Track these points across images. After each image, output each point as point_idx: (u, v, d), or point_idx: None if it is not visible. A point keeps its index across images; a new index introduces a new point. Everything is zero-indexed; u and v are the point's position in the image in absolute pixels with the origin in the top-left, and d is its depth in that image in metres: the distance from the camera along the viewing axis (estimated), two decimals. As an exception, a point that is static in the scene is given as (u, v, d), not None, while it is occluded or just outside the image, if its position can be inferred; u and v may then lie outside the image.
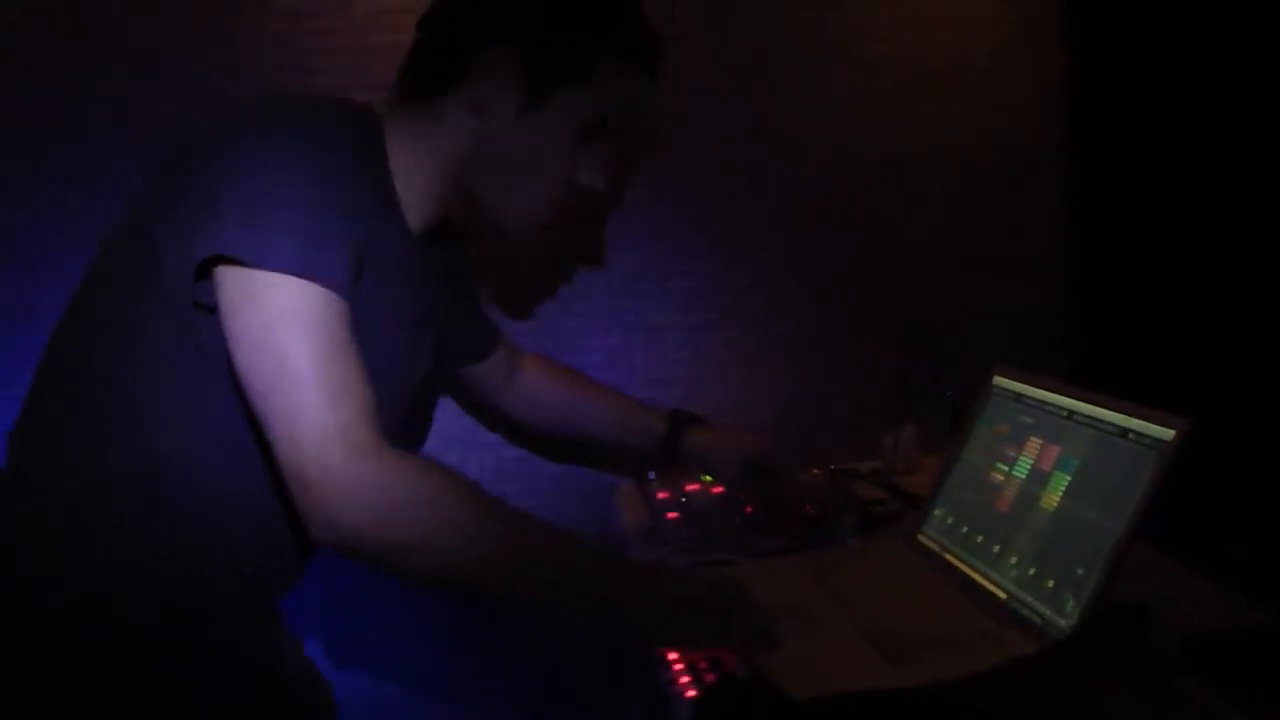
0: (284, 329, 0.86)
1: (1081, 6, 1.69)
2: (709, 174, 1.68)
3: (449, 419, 1.68)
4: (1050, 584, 1.06)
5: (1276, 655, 0.93)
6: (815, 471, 1.55)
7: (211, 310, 0.90)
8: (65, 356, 1.02)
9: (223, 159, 0.91)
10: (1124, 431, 1.05)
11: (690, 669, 1.04)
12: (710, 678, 1.01)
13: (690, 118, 1.65)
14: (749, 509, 1.42)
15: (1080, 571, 1.02)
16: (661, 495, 1.52)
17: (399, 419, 1.20)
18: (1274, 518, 1.18)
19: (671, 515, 1.44)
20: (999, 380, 1.31)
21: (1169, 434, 1.00)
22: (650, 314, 1.72)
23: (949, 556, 1.24)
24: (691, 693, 1.00)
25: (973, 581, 1.17)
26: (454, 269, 1.31)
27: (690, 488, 1.54)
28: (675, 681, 1.02)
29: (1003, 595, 1.12)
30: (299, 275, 0.86)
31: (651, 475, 1.59)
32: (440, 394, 1.68)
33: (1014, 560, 1.13)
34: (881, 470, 1.63)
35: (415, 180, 1.09)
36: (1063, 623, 1.01)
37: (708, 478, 1.57)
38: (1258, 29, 1.29)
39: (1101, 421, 1.09)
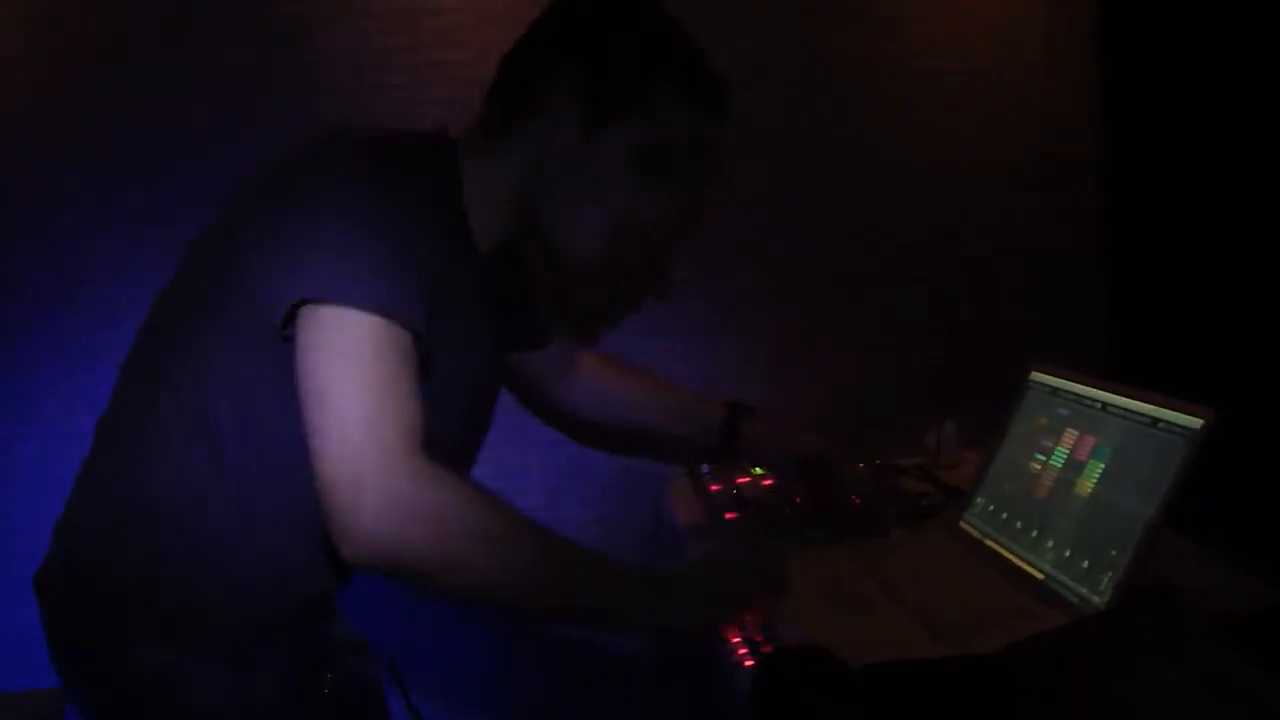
0: (338, 352, 0.93)
1: (1116, 17, 1.75)
2: (756, 182, 1.76)
3: (506, 418, 1.75)
4: (1085, 564, 1.13)
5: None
6: (861, 465, 1.63)
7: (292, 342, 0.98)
8: (152, 363, 1.10)
9: (308, 206, 0.98)
10: (1154, 421, 1.12)
11: (746, 641, 1.11)
12: (767, 649, 1.09)
13: (736, 126, 1.72)
14: (798, 500, 1.50)
15: (1113, 553, 1.09)
16: (714, 488, 1.60)
17: (469, 425, 1.28)
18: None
19: (730, 515, 1.50)
20: (1036, 375, 1.38)
21: (1197, 423, 1.06)
22: (700, 317, 1.80)
23: (990, 542, 1.31)
24: (749, 663, 1.07)
25: (1012, 564, 1.24)
26: (517, 271, 1.38)
27: (741, 480, 1.62)
28: (733, 653, 1.10)
29: (1040, 576, 1.19)
30: (372, 311, 0.94)
31: (705, 469, 1.67)
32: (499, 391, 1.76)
33: (1051, 544, 1.20)
34: (925, 465, 1.70)
35: (487, 207, 1.16)
36: (1097, 600, 1.08)
37: (758, 471, 1.64)
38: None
39: (1133, 412, 1.16)
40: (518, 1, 1.57)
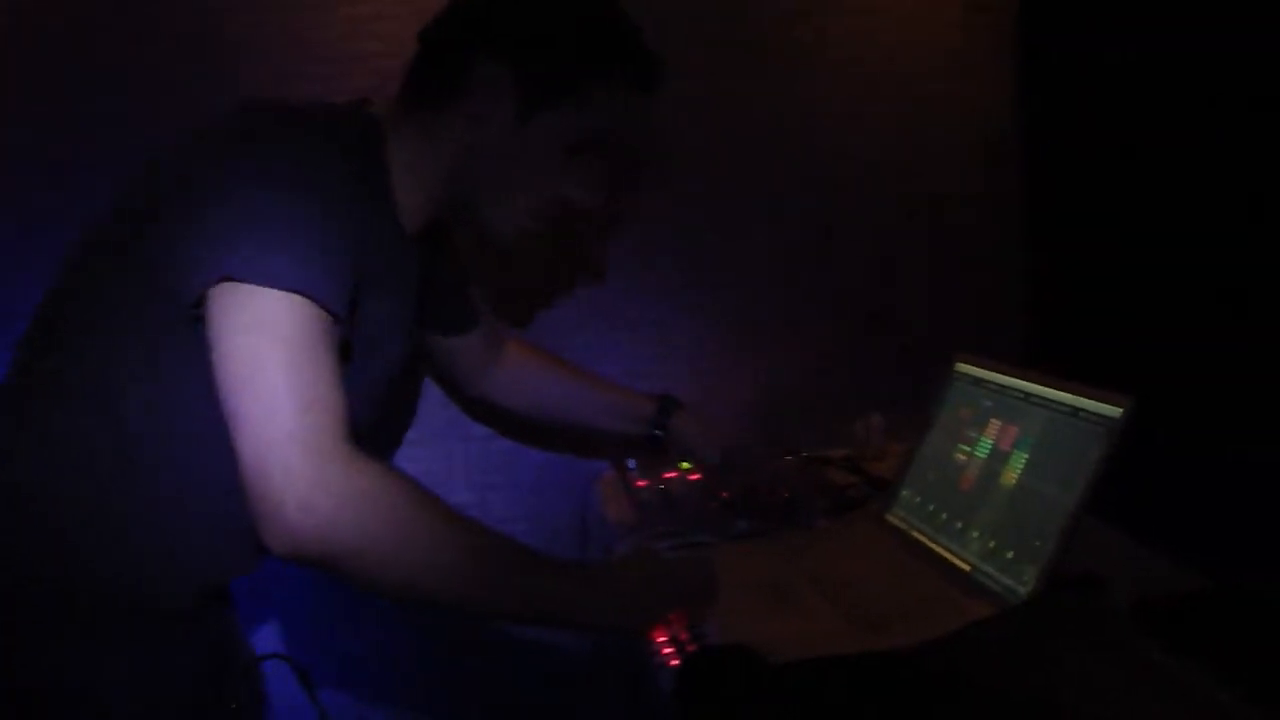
0: (261, 334, 0.89)
1: (1036, 7, 1.77)
2: (679, 172, 1.74)
3: (434, 411, 1.73)
4: (1010, 555, 1.13)
5: (1221, 615, 0.99)
6: (788, 458, 1.62)
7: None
8: (53, 345, 1.05)
9: (227, 182, 0.93)
10: (1075, 411, 1.12)
11: (673, 641, 1.09)
12: (692, 648, 1.07)
13: (659, 119, 1.71)
14: (725, 494, 1.49)
15: (1037, 543, 1.09)
16: (640, 483, 1.58)
17: (384, 414, 1.24)
18: (1209, 489, 1.25)
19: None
20: (961, 366, 1.38)
21: (1116, 411, 1.07)
22: (624, 309, 1.77)
23: (915, 534, 1.30)
24: (675, 663, 1.05)
25: (938, 556, 1.24)
26: (444, 251, 1.35)
27: (668, 475, 1.60)
28: (659, 653, 1.08)
29: (966, 567, 1.18)
30: (287, 289, 0.90)
31: (632, 464, 1.65)
32: (421, 383, 1.73)
33: (976, 534, 1.20)
34: (852, 457, 1.70)
35: (413, 187, 1.13)
36: (1022, 591, 1.08)
37: (685, 465, 1.63)
38: (1199, 29, 1.36)
39: (1055, 402, 1.16)
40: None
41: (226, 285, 0.90)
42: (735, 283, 1.80)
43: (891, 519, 1.37)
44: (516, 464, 1.78)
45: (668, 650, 1.08)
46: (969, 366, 1.36)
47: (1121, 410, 1.06)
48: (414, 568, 0.94)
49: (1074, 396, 1.13)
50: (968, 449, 1.28)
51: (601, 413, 1.59)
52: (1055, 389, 1.17)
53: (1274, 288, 1.24)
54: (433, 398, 1.73)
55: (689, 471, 1.61)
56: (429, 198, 1.16)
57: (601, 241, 1.73)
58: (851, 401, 1.76)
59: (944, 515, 1.27)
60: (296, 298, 0.90)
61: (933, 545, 1.26)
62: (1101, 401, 1.09)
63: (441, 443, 1.74)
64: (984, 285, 1.84)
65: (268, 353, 0.89)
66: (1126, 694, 0.85)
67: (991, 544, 1.16)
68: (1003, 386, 1.27)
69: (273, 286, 0.89)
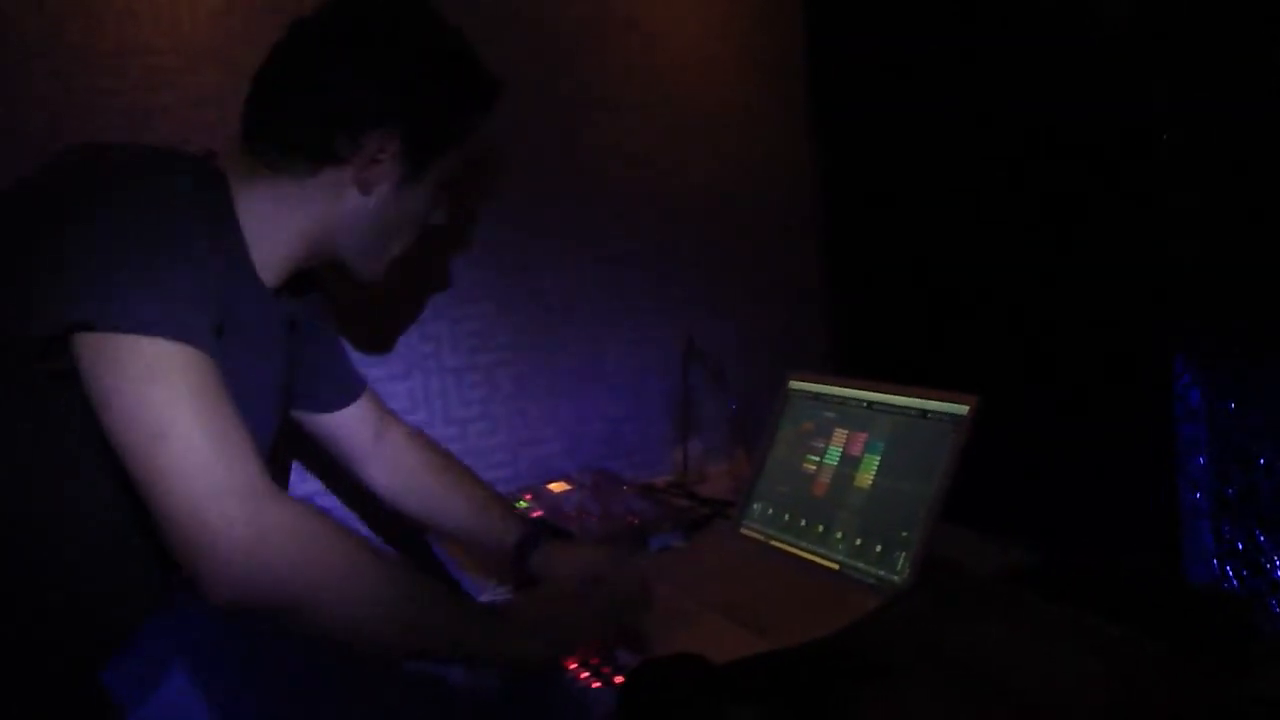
0: (159, 388, 0.85)
1: (820, 56, 1.97)
2: (489, 222, 1.78)
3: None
4: (878, 549, 1.23)
5: (1080, 578, 1.12)
6: (626, 488, 1.66)
7: (62, 376, 0.87)
8: None
9: (68, 225, 0.88)
10: (923, 413, 1.25)
11: (584, 664, 1.11)
12: (606, 669, 1.09)
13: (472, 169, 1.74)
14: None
15: (904, 533, 1.20)
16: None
17: None
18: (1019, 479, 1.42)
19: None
20: (795, 384, 1.49)
21: (963, 409, 1.20)
22: (445, 357, 1.77)
23: (775, 543, 1.39)
24: (596, 684, 1.07)
25: (804, 560, 1.33)
26: (308, 317, 1.30)
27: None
28: (577, 678, 1.09)
29: (835, 566, 1.28)
30: (164, 336, 0.86)
31: None
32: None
33: (840, 535, 1.30)
34: (677, 482, 1.78)
35: (272, 243, 1.10)
36: (896, 579, 1.19)
37: (523, 504, 1.64)
38: (973, 71, 1.55)
39: (901, 407, 1.29)
40: (230, 41, 1.51)
41: (97, 337, 0.85)
42: (550, 325, 1.84)
43: (747, 532, 1.45)
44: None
45: (584, 675, 1.10)
46: (803, 383, 1.47)
47: (968, 408, 1.20)
48: (359, 604, 0.92)
49: (921, 400, 1.26)
50: (816, 458, 1.39)
51: (468, 528, 1.44)
52: (899, 395, 1.29)
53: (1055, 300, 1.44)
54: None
55: (530, 509, 1.62)
56: (289, 254, 1.13)
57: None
58: (670, 430, 1.84)
59: (803, 521, 1.36)
60: (175, 344, 0.87)
61: (796, 550, 1.35)
62: (949, 402, 1.22)
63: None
64: (790, 311, 1.99)
65: (172, 404, 0.86)
66: (1030, 644, 0.96)
67: (857, 541, 1.27)
68: (844, 398, 1.38)
69: (149, 334, 0.86)
